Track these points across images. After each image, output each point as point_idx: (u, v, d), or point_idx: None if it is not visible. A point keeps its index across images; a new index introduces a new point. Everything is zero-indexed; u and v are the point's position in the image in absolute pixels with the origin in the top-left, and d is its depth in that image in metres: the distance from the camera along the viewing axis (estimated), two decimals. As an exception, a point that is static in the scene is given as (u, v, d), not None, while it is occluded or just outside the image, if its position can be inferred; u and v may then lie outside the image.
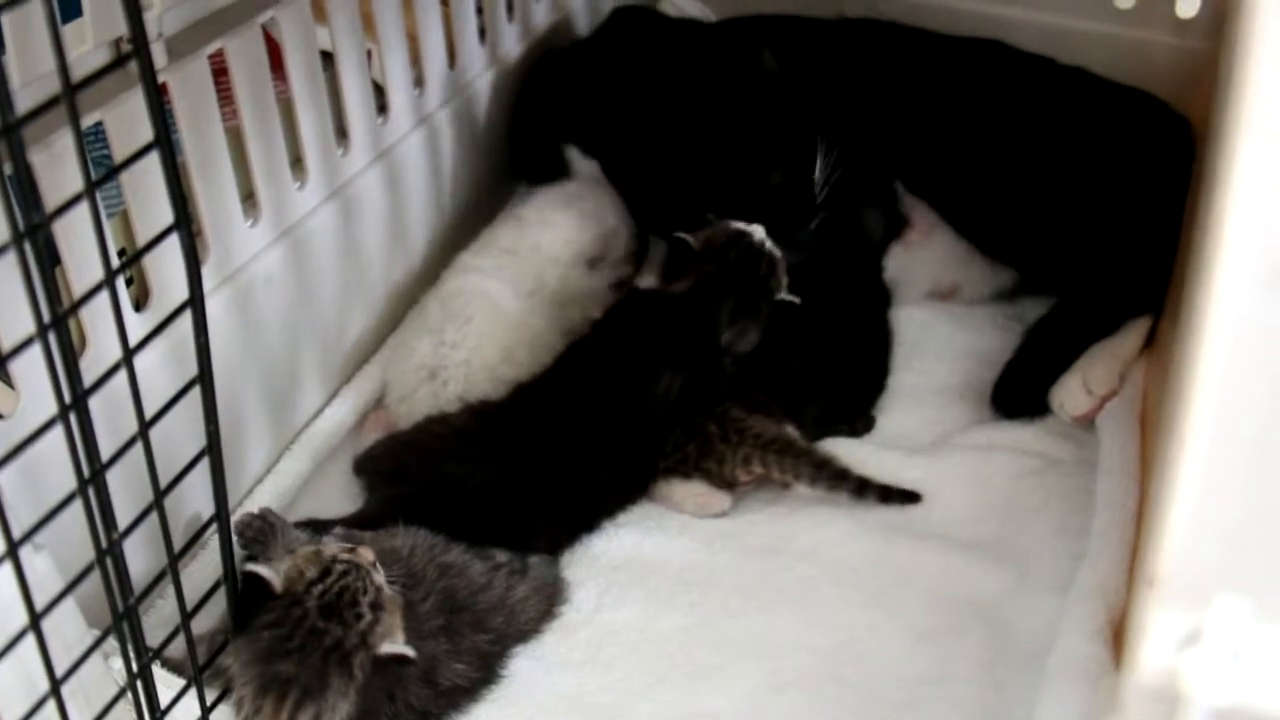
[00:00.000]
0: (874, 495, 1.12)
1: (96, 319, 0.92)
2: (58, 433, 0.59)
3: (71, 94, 0.54)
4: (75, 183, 0.58)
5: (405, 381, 1.22)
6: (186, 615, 0.77)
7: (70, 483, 0.61)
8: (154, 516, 0.70)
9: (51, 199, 0.84)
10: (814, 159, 1.26)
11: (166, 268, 0.99)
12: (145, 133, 0.60)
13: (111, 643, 0.72)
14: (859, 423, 1.23)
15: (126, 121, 0.92)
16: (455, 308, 1.23)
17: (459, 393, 1.18)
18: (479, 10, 1.37)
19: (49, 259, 0.55)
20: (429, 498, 1.06)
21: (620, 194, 1.33)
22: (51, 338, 0.56)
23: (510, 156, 1.45)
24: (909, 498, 1.13)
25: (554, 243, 1.29)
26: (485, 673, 0.97)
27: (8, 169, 0.54)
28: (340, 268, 1.21)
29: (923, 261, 1.34)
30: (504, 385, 1.18)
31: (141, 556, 0.82)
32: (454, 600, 0.95)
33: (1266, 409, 0.50)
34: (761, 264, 1.19)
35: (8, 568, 0.60)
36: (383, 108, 1.25)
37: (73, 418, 0.60)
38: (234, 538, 0.87)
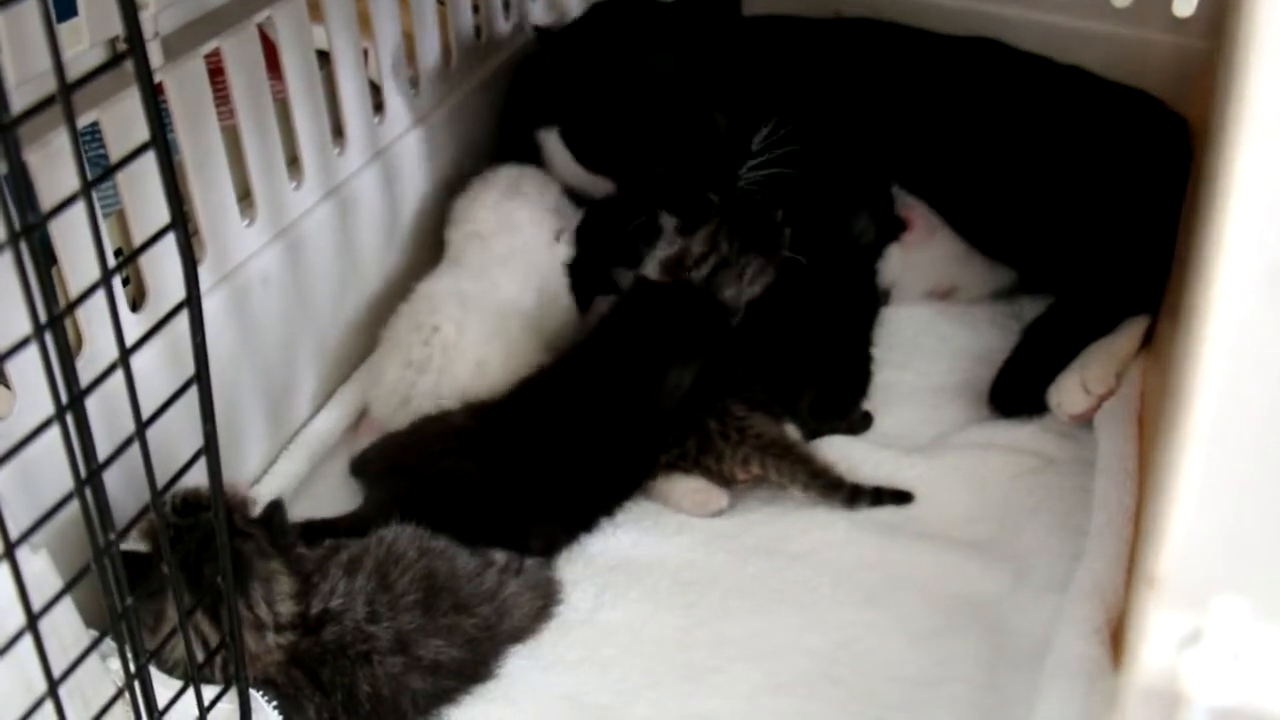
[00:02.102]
0: (866, 501, 1.13)
1: (93, 319, 0.92)
2: (54, 433, 0.59)
3: (67, 93, 0.54)
4: (71, 182, 0.57)
5: (382, 406, 1.21)
6: (184, 614, 0.77)
7: (67, 483, 0.61)
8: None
9: (47, 198, 0.84)
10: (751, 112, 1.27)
11: (163, 267, 0.98)
12: (141, 132, 0.60)
13: (109, 643, 0.72)
14: (857, 420, 1.23)
15: (122, 121, 0.92)
16: (421, 315, 1.21)
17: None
18: (475, 9, 1.37)
19: (45, 259, 0.55)
20: (427, 495, 1.06)
21: (585, 163, 1.33)
22: (48, 338, 0.56)
23: (496, 149, 1.45)
24: (901, 498, 1.13)
25: (527, 227, 1.28)
26: (473, 656, 0.97)
27: (3, 168, 0.54)
28: (337, 267, 1.21)
29: (922, 263, 1.34)
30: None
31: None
32: (433, 580, 0.97)
33: (1267, 408, 0.50)
34: (771, 218, 1.23)
35: (5, 568, 0.60)
36: (379, 107, 1.25)
37: (69, 418, 0.59)
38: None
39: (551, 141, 1.34)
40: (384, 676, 0.92)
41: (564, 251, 1.30)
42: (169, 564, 0.73)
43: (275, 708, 0.89)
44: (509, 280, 1.25)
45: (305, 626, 0.92)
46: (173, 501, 0.90)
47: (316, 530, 1.06)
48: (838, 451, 1.18)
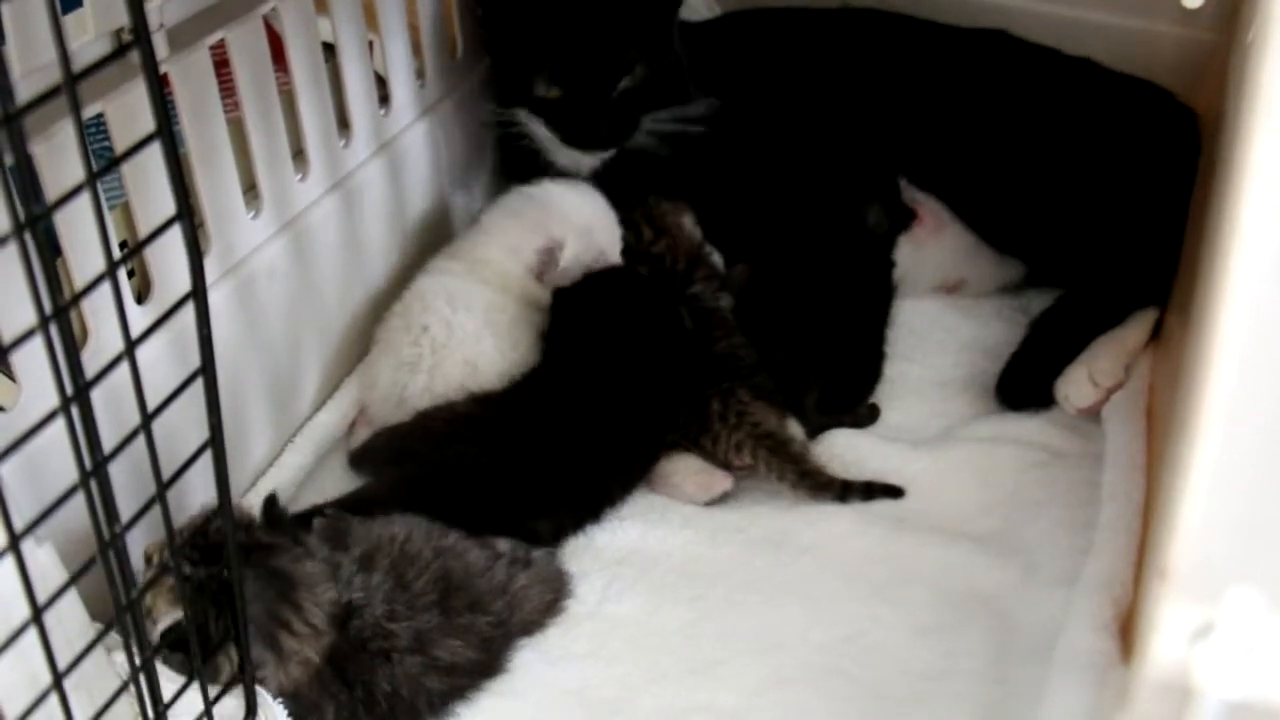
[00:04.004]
0: (857, 497, 1.12)
1: (98, 311, 0.92)
2: (59, 425, 0.59)
3: (72, 84, 0.54)
4: (76, 173, 0.57)
5: (378, 409, 1.20)
6: (189, 608, 0.77)
7: (72, 475, 0.61)
8: (157, 509, 0.69)
9: (53, 190, 0.83)
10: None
11: (168, 259, 0.98)
12: (146, 124, 0.59)
13: (114, 636, 0.72)
14: (863, 414, 1.22)
15: (128, 112, 0.91)
16: (412, 314, 1.20)
17: None
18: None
19: (50, 250, 0.55)
20: (434, 480, 1.06)
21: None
22: (53, 329, 0.56)
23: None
24: (893, 493, 1.13)
25: (499, 252, 1.23)
26: (486, 655, 0.96)
27: (8, 159, 0.53)
28: (342, 259, 1.21)
29: (930, 257, 1.34)
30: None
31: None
32: (449, 580, 0.96)
33: (1279, 400, 0.50)
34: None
35: (10, 561, 0.60)
36: (385, 99, 1.25)
37: (74, 410, 0.59)
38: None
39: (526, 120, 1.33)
40: (403, 676, 0.91)
41: (535, 288, 1.23)
42: (174, 559, 0.73)
43: (291, 713, 0.88)
44: (499, 286, 1.23)
45: (338, 623, 0.92)
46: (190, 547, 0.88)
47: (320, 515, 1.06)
48: (843, 444, 1.18)
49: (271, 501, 0.94)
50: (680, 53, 1.31)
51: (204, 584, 0.83)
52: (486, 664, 0.97)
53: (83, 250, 0.89)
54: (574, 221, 1.23)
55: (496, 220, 1.25)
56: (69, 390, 0.58)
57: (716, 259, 1.28)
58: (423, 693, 0.92)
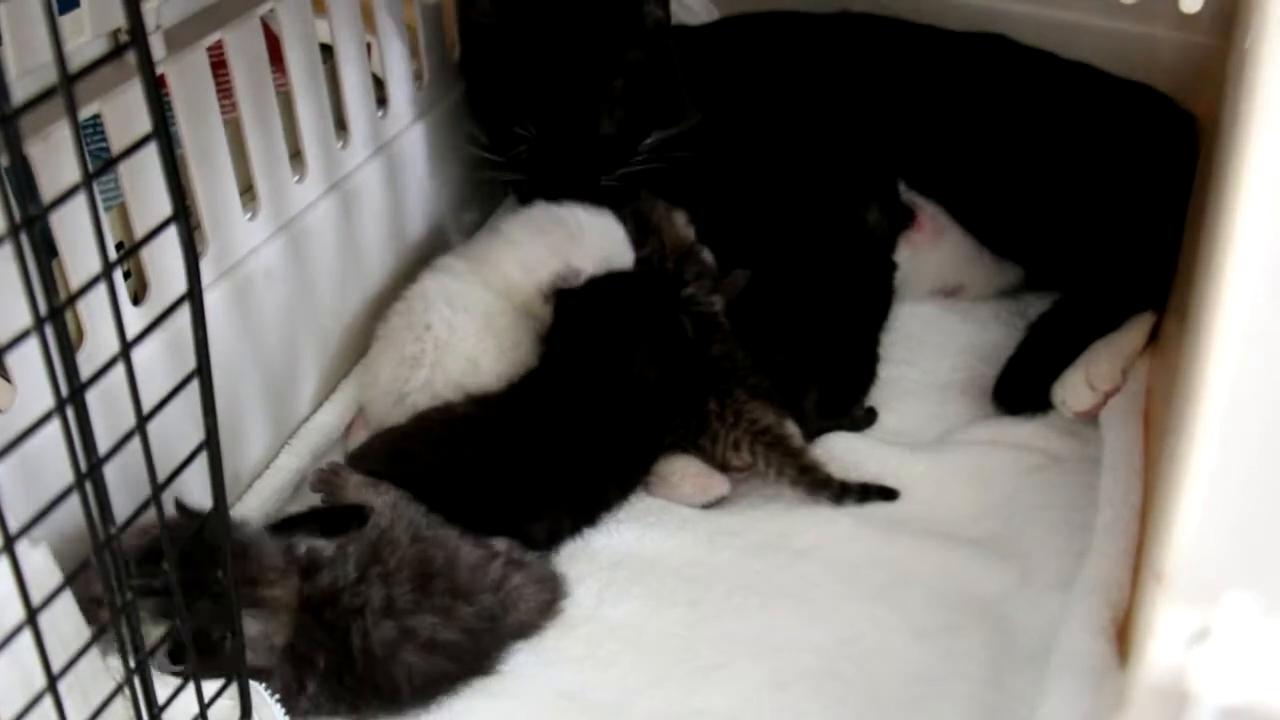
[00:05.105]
0: (854, 498, 1.12)
1: (94, 312, 0.92)
2: (54, 426, 0.58)
3: (69, 85, 0.53)
4: (72, 174, 0.57)
5: (379, 406, 1.20)
6: (184, 608, 0.76)
7: (67, 476, 0.61)
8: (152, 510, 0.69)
9: (49, 191, 0.83)
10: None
11: (164, 261, 0.98)
12: (143, 125, 0.59)
13: (108, 638, 0.71)
14: (861, 417, 1.22)
15: (124, 113, 0.91)
16: (415, 313, 1.20)
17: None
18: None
19: (46, 251, 0.55)
20: (432, 481, 1.06)
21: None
22: (48, 330, 0.56)
23: None
24: (888, 495, 1.13)
25: (513, 266, 1.22)
26: (471, 644, 0.96)
27: (4, 160, 0.53)
28: (339, 261, 1.21)
29: (929, 263, 1.34)
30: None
31: (139, 551, 0.82)
32: (428, 566, 0.96)
33: (1275, 404, 0.50)
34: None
35: (4, 562, 0.60)
36: (382, 100, 1.25)
37: (70, 411, 0.59)
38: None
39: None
40: (377, 639, 0.92)
41: (539, 305, 1.22)
42: (170, 560, 0.73)
43: (289, 674, 0.89)
44: (502, 291, 1.22)
45: (300, 569, 0.93)
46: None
47: (321, 515, 1.06)
48: (842, 447, 1.18)
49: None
50: (671, 74, 1.30)
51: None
52: (473, 655, 0.97)
53: (79, 251, 0.89)
54: (594, 253, 1.21)
55: (518, 234, 1.23)
56: (64, 391, 0.58)
57: (707, 256, 1.27)
58: (400, 663, 0.92)
